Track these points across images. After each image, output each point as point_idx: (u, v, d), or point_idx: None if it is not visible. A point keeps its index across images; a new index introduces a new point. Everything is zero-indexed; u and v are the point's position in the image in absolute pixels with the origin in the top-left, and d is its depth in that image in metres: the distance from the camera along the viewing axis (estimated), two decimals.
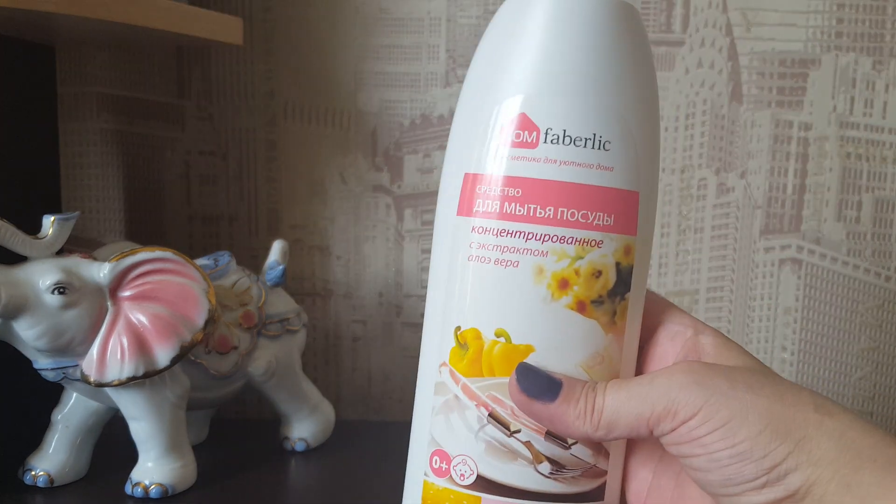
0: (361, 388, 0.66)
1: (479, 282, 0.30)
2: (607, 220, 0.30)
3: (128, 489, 0.46)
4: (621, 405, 0.28)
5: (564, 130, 0.29)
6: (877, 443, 0.26)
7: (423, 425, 0.32)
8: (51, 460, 0.47)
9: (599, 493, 0.31)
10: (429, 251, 0.64)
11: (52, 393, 0.48)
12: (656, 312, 0.32)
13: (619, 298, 0.30)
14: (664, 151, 0.62)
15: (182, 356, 0.45)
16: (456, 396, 0.30)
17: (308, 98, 0.63)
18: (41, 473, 0.47)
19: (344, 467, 0.52)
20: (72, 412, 0.48)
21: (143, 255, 0.45)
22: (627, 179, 0.30)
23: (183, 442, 0.47)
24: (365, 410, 0.66)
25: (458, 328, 0.30)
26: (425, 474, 0.31)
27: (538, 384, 0.29)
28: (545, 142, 0.29)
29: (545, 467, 0.30)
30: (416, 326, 0.64)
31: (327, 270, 0.64)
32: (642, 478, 0.32)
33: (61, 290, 0.42)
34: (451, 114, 0.62)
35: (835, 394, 0.65)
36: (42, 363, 0.44)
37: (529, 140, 0.30)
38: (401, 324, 0.64)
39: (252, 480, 0.50)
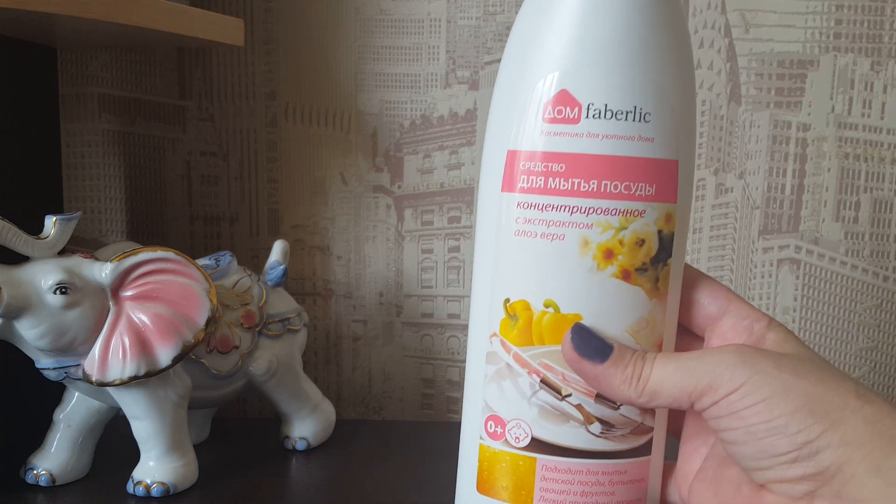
0: (362, 388, 0.66)
1: (526, 255, 0.31)
2: (649, 190, 0.30)
3: (129, 488, 0.46)
4: (667, 377, 0.29)
5: (606, 105, 0.30)
6: None
7: (476, 392, 0.33)
8: (52, 459, 0.48)
9: (647, 448, 0.32)
10: (429, 251, 0.64)
11: (53, 392, 0.49)
12: (721, 301, 0.32)
13: (661, 265, 0.31)
14: None
15: (183, 356, 0.45)
16: (508, 365, 0.31)
17: (308, 99, 0.63)
18: (43, 472, 0.47)
19: (344, 467, 0.52)
20: (73, 411, 0.48)
21: (145, 255, 0.45)
22: (667, 149, 0.31)
23: (184, 441, 0.47)
24: (365, 410, 0.66)
25: (508, 300, 0.31)
26: (481, 438, 0.32)
27: (590, 345, 0.30)
28: (587, 117, 0.30)
29: (596, 427, 0.31)
30: (417, 326, 0.64)
31: (328, 270, 0.64)
32: (693, 463, 0.33)
33: (63, 290, 0.42)
34: (451, 114, 0.63)
35: None
36: (44, 363, 0.44)
37: (571, 116, 0.30)
38: (401, 324, 0.64)
39: (253, 479, 0.50)
